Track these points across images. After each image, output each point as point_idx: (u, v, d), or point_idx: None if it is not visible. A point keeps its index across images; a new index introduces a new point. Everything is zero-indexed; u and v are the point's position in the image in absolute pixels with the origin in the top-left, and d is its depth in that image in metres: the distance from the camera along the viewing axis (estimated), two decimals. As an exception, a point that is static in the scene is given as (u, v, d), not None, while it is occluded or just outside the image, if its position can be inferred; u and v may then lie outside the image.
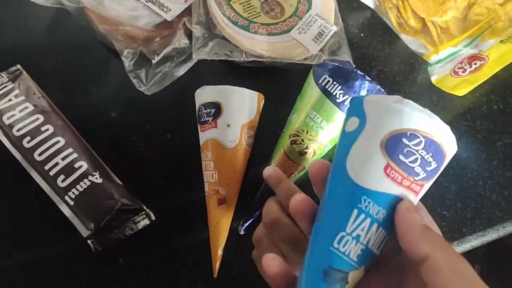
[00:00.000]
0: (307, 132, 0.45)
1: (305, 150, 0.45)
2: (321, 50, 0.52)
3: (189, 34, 0.51)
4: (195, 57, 0.49)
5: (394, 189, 0.27)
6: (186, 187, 0.46)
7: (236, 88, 0.45)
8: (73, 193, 0.42)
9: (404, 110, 0.27)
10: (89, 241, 0.42)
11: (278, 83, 0.53)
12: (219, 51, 0.50)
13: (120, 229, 0.42)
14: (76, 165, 0.43)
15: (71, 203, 0.42)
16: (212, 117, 0.45)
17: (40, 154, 0.43)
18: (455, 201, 0.48)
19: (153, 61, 0.50)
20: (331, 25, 0.53)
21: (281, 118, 0.50)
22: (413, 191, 0.27)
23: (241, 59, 0.50)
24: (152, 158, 0.48)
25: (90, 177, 0.43)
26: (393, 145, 0.27)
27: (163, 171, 0.47)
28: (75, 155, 0.44)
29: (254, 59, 0.50)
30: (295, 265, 0.31)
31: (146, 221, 0.43)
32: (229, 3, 0.52)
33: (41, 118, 0.45)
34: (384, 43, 0.56)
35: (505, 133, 0.51)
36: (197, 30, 0.50)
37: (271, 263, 0.29)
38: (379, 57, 0.56)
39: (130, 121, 0.50)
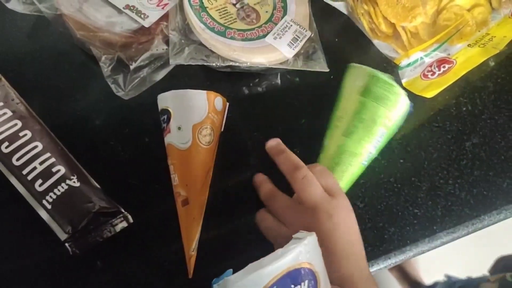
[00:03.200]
0: None
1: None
2: (297, 55, 0.54)
3: (166, 40, 0.52)
4: (172, 62, 0.50)
5: None
6: (163, 189, 0.47)
7: (181, 91, 0.46)
8: (50, 197, 0.43)
9: None
10: (66, 244, 0.42)
11: (254, 87, 0.54)
12: (195, 56, 0.51)
13: (97, 231, 0.43)
14: (54, 169, 0.44)
15: (49, 207, 0.42)
16: (166, 123, 0.46)
17: (18, 159, 0.44)
18: (426, 199, 0.50)
19: (131, 67, 0.50)
20: (306, 31, 0.55)
21: (256, 121, 0.52)
22: None
23: (218, 64, 0.51)
24: (130, 162, 0.49)
25: (67, 181, 0.43)
26: None
27: (141, 174, 0.48)
28: (52, 160, 0.44)
29: (230, 64, 0.51)
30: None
31: (124, 224, 0.44)
32: (206, 9, 0.53)
33: (19, 124, 0.45)
34: (358, 47, 0.58)
35: (473, 134, 0.53)
36: (174, 36, 0.51)
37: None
38: (353, 61, 0.57)
39: (109, 125, 0.50)
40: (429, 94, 0.51)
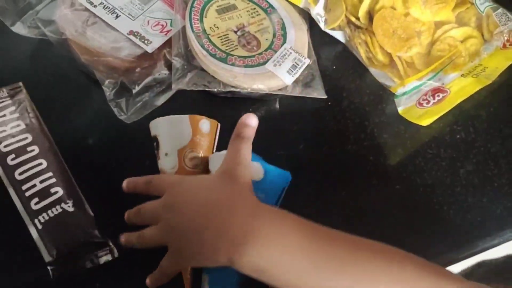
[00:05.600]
0: None
1: None
2: (296, 81, 0.55)
3: (169, 65, 0.54)
4: (174, 87, 0.51)
5: None
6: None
7: (165, 117, 0.47)
8: (43, 217, 0.43)
9: None
10: (48, 267, 0.42)
11: (254, 112, 0.55)
12: (197, 81, 0.52)
13: (81, 260, 0.43)
14: (52, 190, 0.44)
15: (40, 227, 0.43)
16: (156, 150, 0.48)
17: (20, 174, 0.44)
18: (421, 225, 0.50)
19: (134, 91, 0.51)
20: (305, 58, 0.56)
21: (255, 145, 0.52)
22: None
23: (219, 90, 0.52)
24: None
25: (63, 204, 0.44)
26: None
27: (140, 198, 0.48)
28: (53, 180, 0.45)
29: (231, 89, 0.53)
30: None
31: (108, 257, 0.44)
32: (208, 36, 0.54)
33: (30, 138, 0.46)
34: (355, 75, 0.60)
35: (467, 161, 0.54)
36: (177, 62, 0.52)
37: None
38: (350, 88, 0.59)
39: (110, 148, 0.51)
40: (425, 122, 0.53)
